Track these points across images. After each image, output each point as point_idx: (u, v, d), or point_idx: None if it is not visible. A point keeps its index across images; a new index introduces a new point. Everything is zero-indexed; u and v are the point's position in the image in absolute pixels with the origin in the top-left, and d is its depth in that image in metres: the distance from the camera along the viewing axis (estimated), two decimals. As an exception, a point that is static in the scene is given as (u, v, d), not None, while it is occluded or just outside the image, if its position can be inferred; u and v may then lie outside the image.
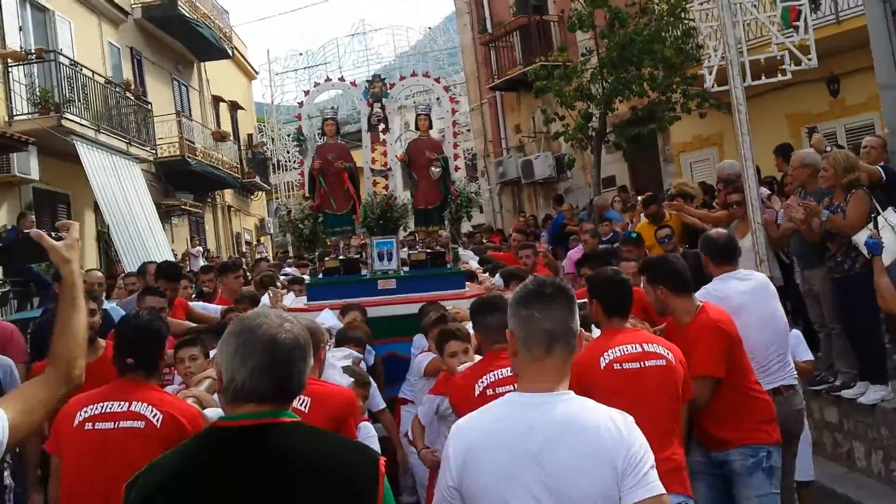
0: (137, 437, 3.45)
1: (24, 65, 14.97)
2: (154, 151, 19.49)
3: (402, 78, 8.54)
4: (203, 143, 22.60)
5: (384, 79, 8.09)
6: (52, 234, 2.66)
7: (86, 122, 15.53)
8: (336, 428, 3.52)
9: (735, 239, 5.09)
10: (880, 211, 5.85)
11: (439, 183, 7.52)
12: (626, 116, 13.69)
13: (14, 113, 14.49)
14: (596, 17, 12.80)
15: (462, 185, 7.91)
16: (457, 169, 7.99)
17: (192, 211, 22.67)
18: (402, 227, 7.91)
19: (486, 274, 8.32)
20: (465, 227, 16.33)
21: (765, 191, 7.60)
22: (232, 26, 27.95)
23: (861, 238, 5.81)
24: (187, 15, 21.26)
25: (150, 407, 3.54)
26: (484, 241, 14.61)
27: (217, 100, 26.48)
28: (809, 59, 6.57)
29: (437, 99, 8.47)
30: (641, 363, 3.69)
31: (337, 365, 4.45)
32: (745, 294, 4.64)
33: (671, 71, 13.31)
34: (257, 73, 33.26)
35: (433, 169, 7.41)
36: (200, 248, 18.35)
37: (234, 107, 28.13)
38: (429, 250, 7.55)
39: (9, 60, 14.59)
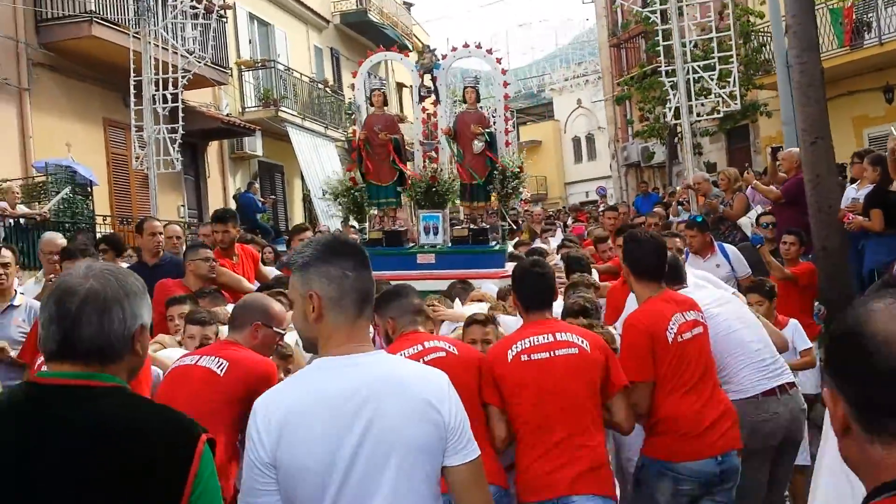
0: None
1: (252, 70, 20.33)
2: (346, 133, 24.70)
3: (454, 49, 8.04)
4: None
5: (434, 49, 7.94)
6: None
7: (295, 112, 20.64)
8: (248, 395, 3.35)
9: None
10: (752, 208, 9.45)
11: (485, 158, 7.25)
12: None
13: (245, 106, 19.89)
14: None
15: (510, 160, 7.52)
16: (507, 144, 7.64)
17: (375, 181, 27.90)
18: (449, 202, 7.61)
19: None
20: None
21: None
22: (417, 22, 32.76)
23: (742, 221, 9.42)
24: (375, 20, 26.16)
25: None
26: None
27: (400, 86, 31.43)
28: (736, 104, 10.09)
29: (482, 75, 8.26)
30: (551, 353, 3.57)
31: None
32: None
33: (745, 80, 16.58)
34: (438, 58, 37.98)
35: (476, 143, 7.18)
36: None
37: (415, 91, 33.01)
38: (472, 226, 7.31)
39: (242, 67, 19.98)
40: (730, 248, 7.21)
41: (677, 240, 6.36)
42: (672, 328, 3.83)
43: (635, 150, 23.05)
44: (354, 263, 2.26)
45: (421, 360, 3.42)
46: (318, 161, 21.68)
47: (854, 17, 16.55)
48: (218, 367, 3.57)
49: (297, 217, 21.21)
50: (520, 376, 3.55)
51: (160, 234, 6.72)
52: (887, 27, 15.57)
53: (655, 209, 12.16)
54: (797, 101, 8.07)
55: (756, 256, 7.23)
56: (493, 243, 7.31)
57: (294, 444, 2.09)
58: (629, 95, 16.51)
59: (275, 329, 3.82)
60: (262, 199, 17.56)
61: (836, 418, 1.28)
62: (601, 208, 12.99)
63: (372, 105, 7.56)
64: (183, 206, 17.14)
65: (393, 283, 5.79)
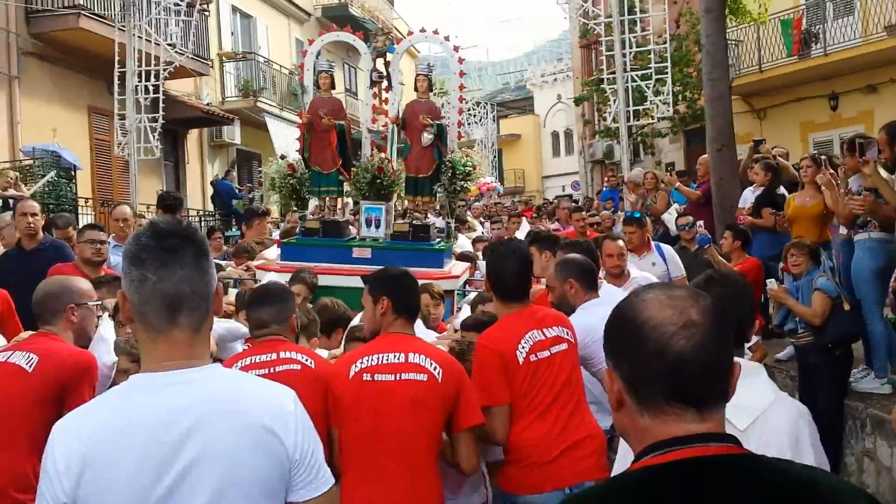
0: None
1: (233, 61, 21.15)
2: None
3: (409, 33, 7.66)
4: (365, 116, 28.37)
5: (388, 32, 7.28)
6: None
7: (273, 103, 21.52)
8: (63, 391, 3.28)
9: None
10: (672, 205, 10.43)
11: (433, 150, 6.94)
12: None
13: (225, 96, 20.72)
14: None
15: (459, 156, 7.17)
16: (459, 137, 7.41)
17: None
18: (395, 195, 7.28)
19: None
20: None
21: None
22: (399, 16, 33.63)
23: (666, 217, 10.38)
24: (356, 14, 27.01)
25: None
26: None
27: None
28: (668, 111, 11.05)
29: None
30: (397, 376, 3.24)
31: (109, 340, 3.93)
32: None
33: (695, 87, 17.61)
34: (419, 52, 38.95)
35: (425, 135, 6.86)
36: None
37: (395, 83, 33.89)
38: (415, 222, 6.95)
39: (223, 58, 20.80)
40: (666, 248, 7.12)
41: (619, 242, 5.88)
42: (524, 347, 3.56)
43: (601, 147, 24.05)
44: (161, 262, 1.81)
45: (270, 369, 3.23)
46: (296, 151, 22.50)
47: (803, 28, 17.53)
48: (27, 363, 3.32)
49: (273, 204, 22.16)
50: (357, 397, 3.22)
51: (32, 214, 6.24)
52: (832, 39, 16.54)
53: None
54: (707, 113, 9.04)
55: (688, 260, 7.33)
56: (436, 241, 7.02)
57: (98, 484, 1.70)
58: (587, 97, 17.53)
59: (88, 303, 3.67)
60: (239, 187, 18.43)
61: (612, 393, 1.44)
62: (562, 206, 13.12)
63: (319, 88, 7.29)
64: (162, 190, 17.94)
65: (326, 277, 6.17)
